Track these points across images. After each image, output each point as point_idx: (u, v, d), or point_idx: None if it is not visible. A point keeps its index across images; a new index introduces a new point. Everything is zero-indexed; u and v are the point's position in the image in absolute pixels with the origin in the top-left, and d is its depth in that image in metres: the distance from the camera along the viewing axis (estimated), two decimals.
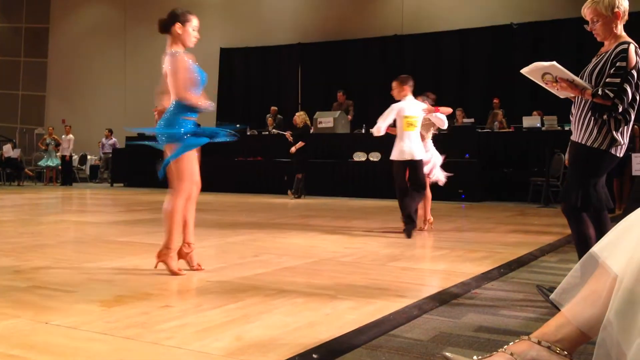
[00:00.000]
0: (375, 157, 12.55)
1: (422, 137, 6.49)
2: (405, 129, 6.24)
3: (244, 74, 18.63)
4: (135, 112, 19.15)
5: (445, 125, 6.48)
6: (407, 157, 6.18)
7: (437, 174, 6.79)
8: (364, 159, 12.64)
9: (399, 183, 6.23)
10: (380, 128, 6.18)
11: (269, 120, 15.06)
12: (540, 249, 5.22)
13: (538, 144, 11.42)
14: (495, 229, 6.91)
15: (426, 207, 6.64)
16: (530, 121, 11.96)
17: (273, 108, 15.46)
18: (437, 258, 4.70)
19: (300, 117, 12.09)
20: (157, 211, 4.00)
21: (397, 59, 16.31)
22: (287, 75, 17.33)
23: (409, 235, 5.98)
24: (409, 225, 6.04)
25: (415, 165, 6.20)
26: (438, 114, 6.42)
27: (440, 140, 12.88)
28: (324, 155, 12.86)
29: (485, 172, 11.65)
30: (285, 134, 11.97)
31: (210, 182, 13.62)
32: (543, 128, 11.81)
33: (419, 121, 6.30)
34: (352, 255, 4.79)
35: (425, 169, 6.49)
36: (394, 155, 6.26)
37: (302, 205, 9.80)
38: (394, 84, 6.41)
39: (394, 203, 9.30)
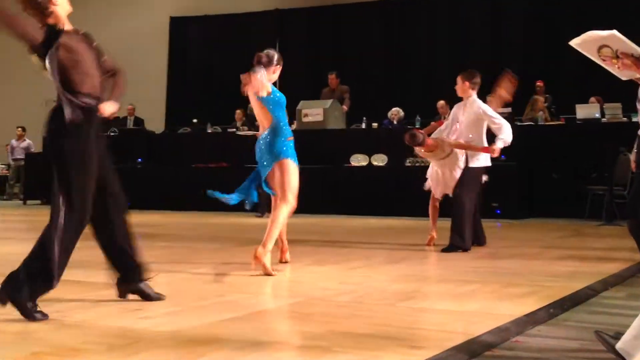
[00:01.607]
0: (380, 160, 12.59)
1: None
2: None
3: (201, 52, 18.64)
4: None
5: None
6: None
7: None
8: (365, 163, 12.68)
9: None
10: None
11: (238, 114, 15.04)
12: (603, 281, 5.25)
13: (597, 141, 11.48)
14: (541, 254, 6.93)
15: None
16: (586, 110, 12.04)
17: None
18: (464, 295, 4.71)
19: None
20: (85, 237, 3.99)
21: (404, 29, 16.41)
22: (261, 50, 17.37)
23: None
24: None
25: None
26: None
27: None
28: (310, 160, 12.77)
29: (527, 179, 11.70)
30: (256, 134, 11.93)
31: (158, 197, 13.66)
32: (603, 119, 11.89)
33: None
34: (351, 292, 4.79)
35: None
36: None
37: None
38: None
39: (406, 222, 9.32)
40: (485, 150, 7.17)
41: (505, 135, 7.15)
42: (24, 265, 3.92)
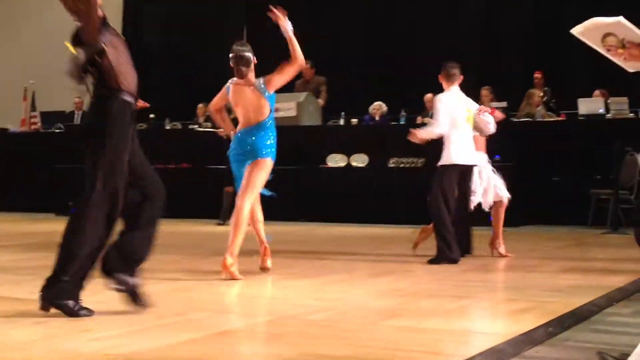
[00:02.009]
0: (360, 161, 12.62)
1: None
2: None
3: (160, 38, 18.56)
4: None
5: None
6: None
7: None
8: (343, 164, 12.70)
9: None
10: None
11: (200, 108, 15.00)
12: (607, 296, 5.29)
13: (602, 140, 11.58)
14: (540, 266, 6.97)
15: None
16: (590, 105, 12.14)
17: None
18: (455, 312, 4.73)
19: None
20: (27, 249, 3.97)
21: (388, 13, 16.43)
22: (227, 37, 17.28)
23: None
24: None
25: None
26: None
27: None
28: (282, 160, 12.71)
29: (524, 181, 11.76)
30: (218, 132, 11.84)
31: None
32: (608, 115, 12.00)
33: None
34: (328, 310, 4.79)
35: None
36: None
37: (249, 234, 9.78)
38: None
39: (390, 230, 9.34)
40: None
41: (429, 127, 7.64)
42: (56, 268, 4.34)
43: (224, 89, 6.58)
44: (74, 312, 4.35)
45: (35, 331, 4.11)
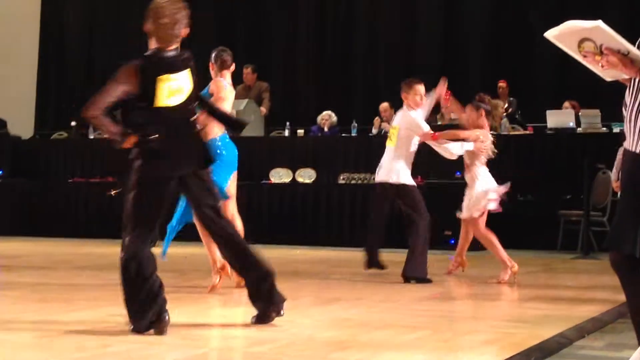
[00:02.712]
0: (306, 177, 12.62)
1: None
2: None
3: (82, 37, 18.39)
4: None
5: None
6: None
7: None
8: (288, 179, 12.69)
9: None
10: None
11: None
12: (578, 327, 5.34)
13: (572, 156, 11.73)
14: (504, 295, 7.03)
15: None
16: (559, 118, 12.28)
17: None
18: (410, 345, 4.73)
19: None
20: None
21: (341, 13, 16.50)
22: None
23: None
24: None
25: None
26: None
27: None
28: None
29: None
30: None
31: (24, 220, 13.38)
32: (579, 129, 12.16)
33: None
34: (271, 341, 4.76)
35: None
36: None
37: (179, 258, 9.71)
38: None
39: (338, 253, 9.36)
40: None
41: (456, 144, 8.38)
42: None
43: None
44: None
45: None
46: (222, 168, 6.79)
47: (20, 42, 18.18)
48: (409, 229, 8.04)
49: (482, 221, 8.23)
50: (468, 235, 8.51)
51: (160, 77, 4.92)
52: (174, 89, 4.98)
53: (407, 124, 8.01)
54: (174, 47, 5.05)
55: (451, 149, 8.19)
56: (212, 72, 7.22)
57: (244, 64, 14.39)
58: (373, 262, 8.28)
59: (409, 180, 8.03)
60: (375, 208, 8.56)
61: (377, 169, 8.20)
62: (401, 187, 7.97)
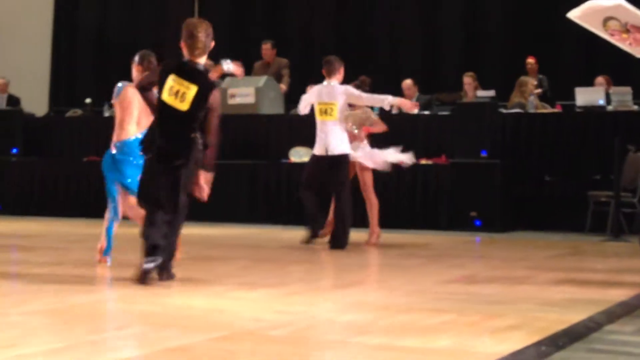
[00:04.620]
0: None
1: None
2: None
3: (97, 12, 18.39)
4: None
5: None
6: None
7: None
8: (307, 158, 12.65)
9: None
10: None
11: None
12: (607, 311, 5.33)
13: (601, 135, 11.65)
14: (531, 278, 7.00)
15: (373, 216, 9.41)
16: (589, 95, 12.18)
17: None
18: (434, 329, 4.73)
19: None
20: None
21: None
22: (176, 12, 17.19)
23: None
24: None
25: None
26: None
27: (437, 127, 12.83)
28: (237, 153, 12.79)
29: (513, 181, 11.83)
30: None
31: (38, 200, 13.44)
32: (609, 107, 12.07)
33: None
34: (290, 325, 4.78)
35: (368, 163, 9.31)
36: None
37: (197, 237, 9.74)
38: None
39: (360, 235, 9.35)
40: None
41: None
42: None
43: None
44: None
45: None
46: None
47: (34, 19, 18.23)
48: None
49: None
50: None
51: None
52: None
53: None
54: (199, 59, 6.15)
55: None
56: (135, 74, 7.24)
57: (262, 40, 14.37)
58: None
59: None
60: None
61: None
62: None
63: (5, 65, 16.62)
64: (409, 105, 9.59)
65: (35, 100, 16.69)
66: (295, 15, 16.65)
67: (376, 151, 9.55)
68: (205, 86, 6.10)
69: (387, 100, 9.21)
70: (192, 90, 6.02)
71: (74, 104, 15.66)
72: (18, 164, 13.97)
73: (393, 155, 9.60)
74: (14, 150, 14.08)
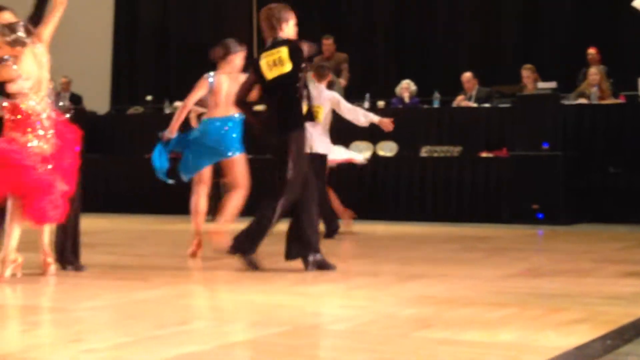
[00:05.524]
0: (387, 150, 12.60)
1: None
2: None
3: (157, 9, 18.55)
4: None
5: None
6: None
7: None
8: (368, 153, 12.67)
9: None
10: None
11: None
12: None
13: None
14: (596, 270, 6.94)
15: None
16: None
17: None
18: (497, 323, 4.71)
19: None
20: None
21: None
22: (235, 10, 17.27)
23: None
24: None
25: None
26: None
27: (497, 119, 12.78)
28: None
29: (577, 173, 11.71)
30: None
31: (101, 197, 13.61)
32: None
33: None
34: (352, 319, 4.80)
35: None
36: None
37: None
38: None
39: (420, 229, 9.35)
40: None
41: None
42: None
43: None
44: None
45: (19, 341, 4.14)
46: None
47: (94, 18, 18.43)
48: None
49: None
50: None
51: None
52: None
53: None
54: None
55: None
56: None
57: (322, 36, 14.37)
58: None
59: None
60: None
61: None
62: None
63: (67, 64, 16.76)
64: (386, 123, 9.69)
65: (97, 99, 16.87)
66: (355, 10, 16.64)
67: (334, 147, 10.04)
68: (292, 43, 6.65)
69: (367, 119, 9.64)
70: (283, 51, 6.54)
71: (135, 101, 15.82)
72: (81, 161, 14.12)
73: (345, 154, 10.48)
74: (76, 149, 14.23)
